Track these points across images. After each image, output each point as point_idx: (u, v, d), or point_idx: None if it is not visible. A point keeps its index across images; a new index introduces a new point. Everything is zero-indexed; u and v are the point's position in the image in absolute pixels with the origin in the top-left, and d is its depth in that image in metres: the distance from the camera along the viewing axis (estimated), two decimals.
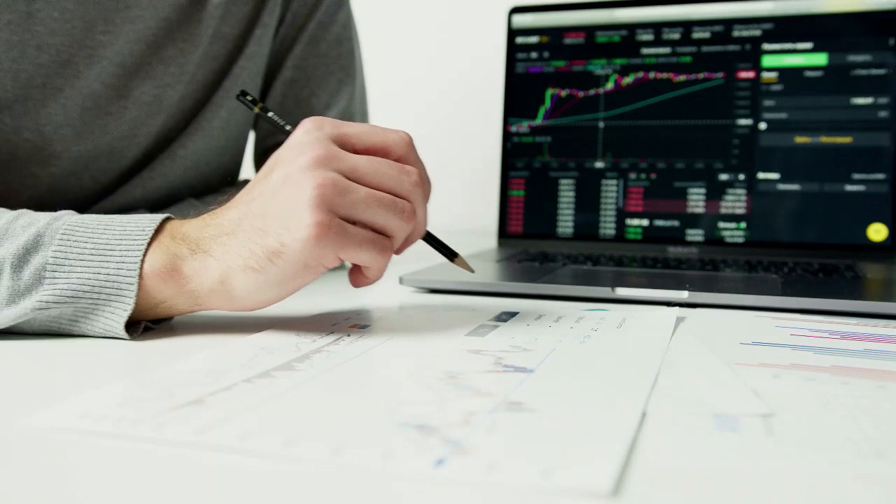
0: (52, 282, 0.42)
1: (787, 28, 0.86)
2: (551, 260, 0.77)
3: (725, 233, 0.86)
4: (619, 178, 0.90)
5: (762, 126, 0.86)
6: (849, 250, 0.82)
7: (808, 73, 0.85)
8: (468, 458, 0.25)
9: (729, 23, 0.88)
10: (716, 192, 0.87)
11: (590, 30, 0.93)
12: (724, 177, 0.87)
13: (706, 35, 0.89)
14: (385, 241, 0.44)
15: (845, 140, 0.83)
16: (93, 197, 0.65)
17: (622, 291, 0.58)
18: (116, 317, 0.42)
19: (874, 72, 0.83)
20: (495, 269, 0.72)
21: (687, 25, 0.89)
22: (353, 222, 0.43)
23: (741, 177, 0.86)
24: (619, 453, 0.26)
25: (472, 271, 0.53)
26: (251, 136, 0.79)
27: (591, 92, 0.92)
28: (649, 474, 0.25)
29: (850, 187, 0.83)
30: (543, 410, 0.31)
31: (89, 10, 0.60)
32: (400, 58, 1.32)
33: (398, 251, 0.47)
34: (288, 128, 0.50)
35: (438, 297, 0.60)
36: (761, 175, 0.85)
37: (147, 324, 0.45)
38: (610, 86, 0.91)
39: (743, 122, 0.86)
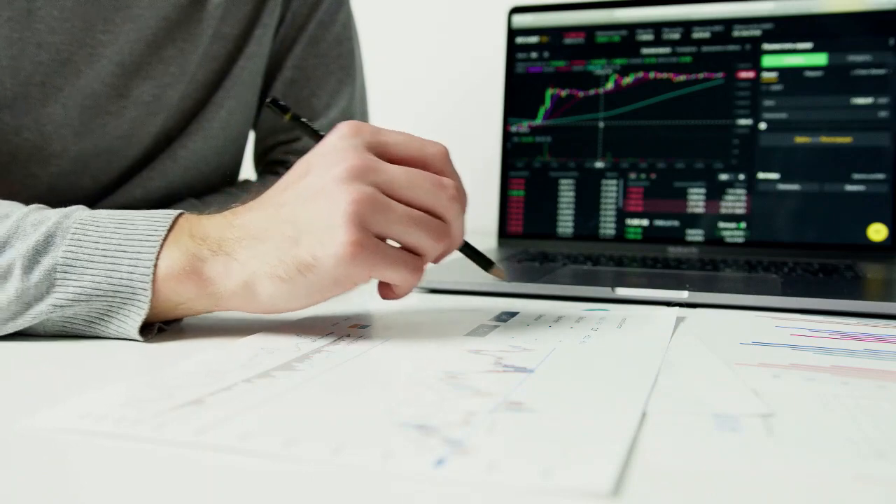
0: (62, 284, 0.41)
1: (787, 28, 0.86)
2: (551, 260, 0.77)
3: (725, 233, 0.86)
4: (619, 178, 0.90)
5: (762, 126, 0.86)
6: (849, 250, 0.82)
7: (808, 73, 0.85)
8: (468, 458, 0.25)
9: (729, 23, 0.88)
10: (716, 192, 0.87)
11: (590, 30, 0.93)
12: (724, 177, 0.87)
13: (706, 35, 0.89)
14: (417, 261, 0.43)
15: (845, 140, 0.83)
16: (92, 197, 0.65)
17: (622, 291, 0.58)
18: (130, 320, 0.42)
19: (874, 72, 0.83)
20: None
21: (687, 25, 0.89)
22: (385, 237, 0.42)
23: (741, 177, 0.86)
24: (619, 453, 0.26)
25: (506, 279, 0.54)
26: (251, 136, 0.79)
27: (591, 92, 0.92)
28: (649, 474, 0.25)
29: (850, 187, 0.83)
30: (543, 410, 0.31)
31: (89, 9, 0.60)
32: (400, 58, 1.32)
33: (435, 261, 0.46)
34: (322, 133, 0.47)
35: (438, 297, 0.60)
36: (761, 175, 0.85)
37: (160, 325, 0.44)
38: (610, 86, 0.91)
39: (743, 122, 0.86)
